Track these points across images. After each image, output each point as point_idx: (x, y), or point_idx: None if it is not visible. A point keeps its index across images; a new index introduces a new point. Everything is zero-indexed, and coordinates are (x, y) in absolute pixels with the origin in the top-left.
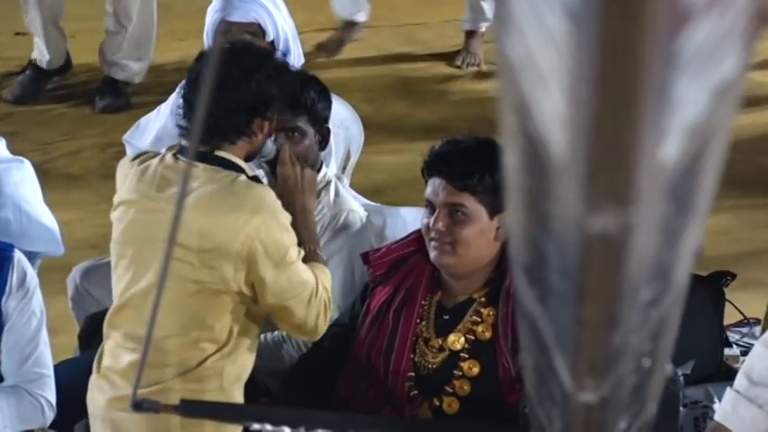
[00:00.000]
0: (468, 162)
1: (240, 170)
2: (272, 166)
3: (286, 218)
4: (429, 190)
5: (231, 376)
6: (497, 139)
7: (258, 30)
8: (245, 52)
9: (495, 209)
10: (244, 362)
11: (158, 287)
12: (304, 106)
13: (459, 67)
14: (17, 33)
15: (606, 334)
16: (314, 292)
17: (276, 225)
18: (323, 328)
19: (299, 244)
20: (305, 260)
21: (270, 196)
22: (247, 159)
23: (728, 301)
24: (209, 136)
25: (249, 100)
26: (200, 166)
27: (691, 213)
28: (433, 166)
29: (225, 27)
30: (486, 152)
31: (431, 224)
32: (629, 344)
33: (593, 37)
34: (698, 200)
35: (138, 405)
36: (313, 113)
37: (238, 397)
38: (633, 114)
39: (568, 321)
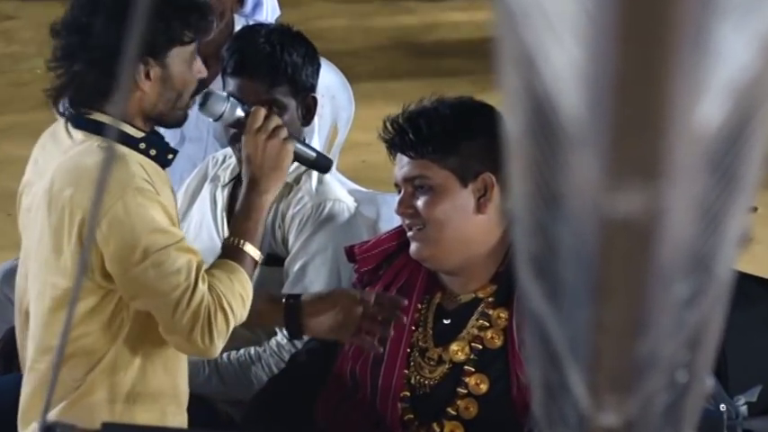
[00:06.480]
0: (422, 126)
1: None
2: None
3: (144, 195)
4: (395, 170)
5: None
6: (459, 98)
7: None
8: None
9: (466, 174)
10: (132, 378)
11: (73, 295)
12: (284, 74)
13: None
14: None
15: (632, 341)
16: (185, 296)
17: (122, 208)
18: (210, 345)
19: (231, 234)
20: (224, 256)
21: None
22: (156, 118)
23: None
24: (81, 96)
25: (115, 47)
26: (78, 135)
27: (736, 191)
28: (389, 142)
29: None
30: (443, 112)
31: (396, 208)
32: (659, 353)
33: None
34: (744, 174)
35: (50, 429)
36: (295, 82)
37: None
38: (665, 67)
39: (585, 325)
